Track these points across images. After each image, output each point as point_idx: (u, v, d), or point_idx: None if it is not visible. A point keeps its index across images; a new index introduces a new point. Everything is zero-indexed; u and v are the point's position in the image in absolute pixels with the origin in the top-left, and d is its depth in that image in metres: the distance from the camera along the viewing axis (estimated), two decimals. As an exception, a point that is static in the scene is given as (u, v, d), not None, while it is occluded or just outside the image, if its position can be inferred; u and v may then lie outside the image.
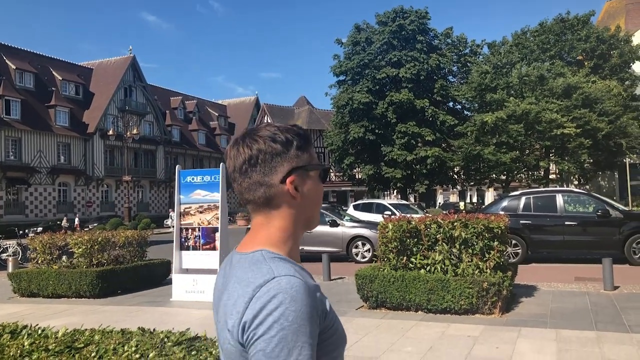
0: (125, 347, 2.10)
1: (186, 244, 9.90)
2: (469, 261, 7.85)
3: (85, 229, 26.44)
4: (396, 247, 8.23)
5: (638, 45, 33.62)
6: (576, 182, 34.44)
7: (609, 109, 28.41)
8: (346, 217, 16.42)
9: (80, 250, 10.74)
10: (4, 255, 17.42)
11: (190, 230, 9.87)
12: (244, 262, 1.15)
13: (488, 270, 7.72)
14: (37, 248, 11.35)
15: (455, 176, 38.24)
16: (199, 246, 9.78)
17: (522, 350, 5.85)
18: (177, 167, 10.48)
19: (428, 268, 7.99)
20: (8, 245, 18.23)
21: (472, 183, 38.11)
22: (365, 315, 7.87)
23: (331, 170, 53.30)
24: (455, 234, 7.87)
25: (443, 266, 7.95)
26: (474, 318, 7.44)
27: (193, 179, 9.96)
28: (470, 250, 7.87)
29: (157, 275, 11.73)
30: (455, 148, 33.36)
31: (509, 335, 6.49)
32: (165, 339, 2.27)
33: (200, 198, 9.82)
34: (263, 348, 1.01)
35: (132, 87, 53.46)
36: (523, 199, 13.86)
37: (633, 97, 31.95)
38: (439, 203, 51.68)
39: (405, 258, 8.17)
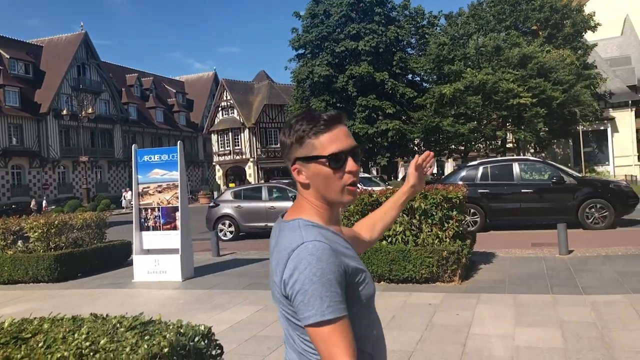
0: (76, 335, 2.04)
1: (146, 224, 9.74)
2: (428, 231, 7.97)
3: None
4: (358, 220, 8.27)
5: (589, 15, 34.25)
6: (532, 151, 35.21)
7: (563, 78, 28.98)
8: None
9: (36, 234, 10.44)
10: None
11: (149, 210, 9.70)
12: (284, 229, 1.44)
13: (447, 240, 7.86)
14: (-10, 234, 10.98)
15: (416, 148, 38.62)
16: (160, 226, 9.64)
17: (482, 316, 6.00)
18: (133, 146, 10.24)
19: (389, 239, 8.08)
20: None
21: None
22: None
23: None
24: (415, 205, 7.95)
25: (404, 237, 8.06)
26: (435, 286, 7.58)
27: (150, 158, 9.76)
28: (429, 221, 7.98)
29: (118, 257, 11.54)
30: (415, 120, 33.60)
31: (468, 301, 6.64)
32: (118, 325, 2.22)
33: (158, 177, 9.64)
34: (302, 300, 1.29)
35: (86, 64, 51.80)
36: (481, 169, 14.11)
37: (585, 65, 32.66)
38: (400, 175, 52.23)
39: (366, 230, 8.22)
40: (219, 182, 53.84)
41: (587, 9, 35.70)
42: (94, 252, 10.89)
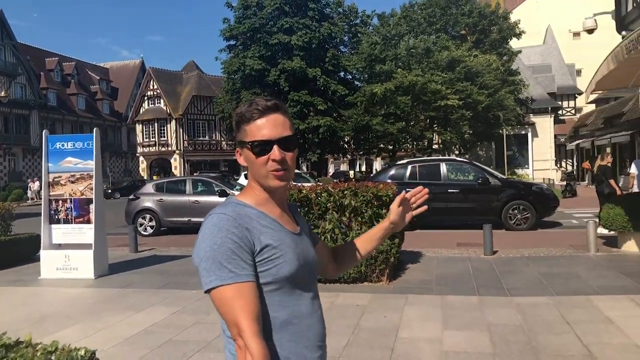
0: None
1: (56, 216, 8.98)
2: (358, 229, 7.76)
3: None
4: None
5: (515, 22, 35.55)
6: (457, 152, 36.18)
7: (489, 83, 29.88)
8: (237, 187, 15.93)
9: None
10: None
11: (60, 201, 8.95)
12: None
13: (377, 239, 7.67)
14: None
15: (346, 145, 38.77)
16: (71, 219, 8.91)
17: (410, 317, 5.84)
18: (44, 131, 9.43)
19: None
20: None
21: (361, 152, 38.84)
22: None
23: (223, 139, 52.17)
24: (346, 202, 7.72)
25: (333, 235, 7.81)
26: (363, 286, 7.39)
27: (63, 145, 8.99)
28: (359, 219, 7.77)
29: (25, 252, 10.58)
30: (346, 118, 33.67)
31: (396, 302, 6.48)
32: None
33: (71, 166, 8.90)
34: (204, 267, 1.34)
35: (0, 45, 48.45)
36: (409, 168, 14.16)
37: (510, 71, 33.86)
38: (331, 172, 52.42)
39: (294, 228, 7.92)
40: (142, 174, 51.97)
41: (513, 17, 37.05)
42: (-4, 245, 9.95)
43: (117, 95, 67.97)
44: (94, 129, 8.85)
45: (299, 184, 9.18)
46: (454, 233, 12.90)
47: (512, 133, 34.74)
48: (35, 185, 38.84)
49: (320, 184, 9.12)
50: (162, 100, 51.53)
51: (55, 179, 8.97)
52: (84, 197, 8.84)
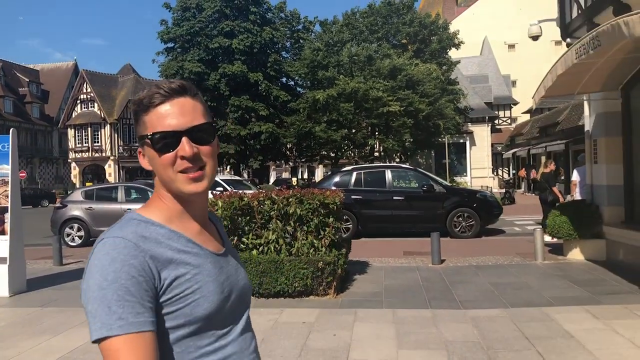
0: None
1: (-34, 227, 8.01)
2: (304, 239, 7.27)
3: None
4: (226, 227, 7.35)
5: (454, 33, 36.22)
6: (397, 160, 36.38)
7: (429, 91, 30.16)
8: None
9: None
10: None
11: (-29, 210, 7.99)
12: None
13: (323, 249, 7.22)
14: None
15: (288, 152, 38.26)
16: (-16, 230, 7.97)
17: (361, 335, 5.39)
18: (-47, 132, 8.44)
19: (260, 249, 7.26)
20: None
21: (304, 160, 38.47)
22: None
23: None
24: (290, 211, 7.23)
25: (277, 246, 7.29)
26: (309, 301, 6.90)
27: (-25, 147, 8.06)
28: (305, 228, 7.29)
29: None
30: (288, 124, 33.22)
31: (345, 319, 6.02)
32: None
33: (-16, 171, 7.98)
34: (90, 310, 1.02)
35: None
36: (354, 174, 13.84)
37: (449, 81, 34.41)
38: (272, 180, 51.76)
39: (236, 238, 7.35)
40: (74, 180, 49.59)
41: (452, 28, 37.76)
42: None
43: (48, 99, 64.77)
44: (11, 130, 7.96)
45: (240, 192, 8.60)
46: (399, 241, 12.62)
47: (451, 141, 35.29)
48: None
49: (263, 191, 8.57)
50: (96, 104, 49.40)
51: (-34, 185, 8.01)
52: (-2, 205, 7.93)
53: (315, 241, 7.25)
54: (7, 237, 7.82)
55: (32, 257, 11.19)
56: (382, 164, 17.96)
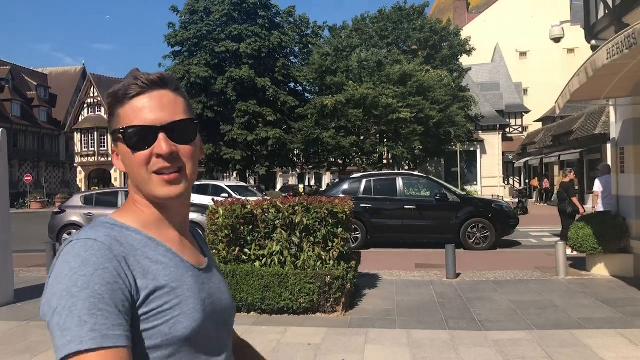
0: None
1: (-48, 233, 7.54)
2: (310, 251, 6.74)
3: None
4: (227, 236, 6.84)
5: (466, 39, 35.70)
6: (407, 168, 35.81)
7: (440, 98, 29.59)
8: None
9: None
10: None
11: (-42, 215, 7.52)
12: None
13: (331, 262, 6.68)
14: None
15: (295, 159, 37.74)
16: (-29, 236, 7.49)
17: (373, 361, 4.85)
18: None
19: (264, 260, 6.73)
20: None
21: (311, 166, 37.97)
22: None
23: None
24: (297, 220, 6.70)
25: (281, 258, 6.76)
26: (315, 318, 6.36)
27: (-37, 148, 7.59)
28: (312, 239, 6.76)
29: None
30: (296, 130, 32.73)
31: (355, 340, 5.48)
32: None
33: (-29, 174, 7.52)
34: (57, 322, 0.88)
35: None
36: (364, 182, 13.31)
37: (460, 88, 33.86)
38: (279, 186, 51.28)
39: (237, 249, 6.83)
40: (80, 185, 49.32)
41: (463, 34, 37.24)
42: None
43: (56, 103, 64.64)
44: (0, 130, 7.48)
45: (244, 198, 8.10)
46: (411, 252, 12.06)
47: (461, 149, 34.69)
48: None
49: (268, 198, 8.06)
50: (102, 109, 49.16)
51: (-48, 189, 7.55)
52: (-14, 210, 7.46)
53: (322, 253, 6.72)
54: (-7, 244, 7.34)
55: (26, 265, 10.74)
56: (392, 172, 17.42)
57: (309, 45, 35.99)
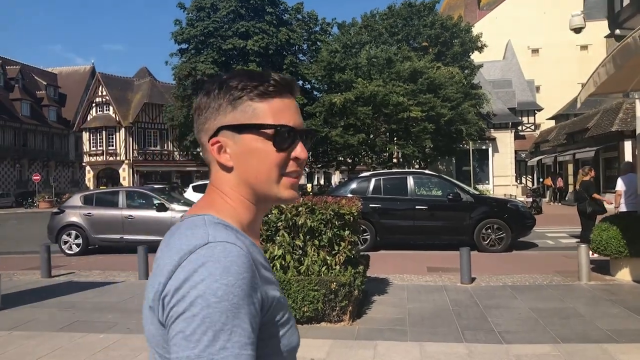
0: None
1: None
2: (315, 255, 6.26)
3: None
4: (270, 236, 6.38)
5: (477, 36, 35.03)
6: (417, 166, 35.25)
7: (452, 96, 28.99)
8: (181, 201, 14.12)
9: None
10: None
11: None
12: (181, 227, 0.95)
13: (337, 267, 6.20)
14: None
15: (304, 157, 37.27)
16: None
17: (382, 380, 4.36)
18: None
19: (264, 266, 6.25)
20: None
21: (320, 165, 37.50)
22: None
23: (175, 149, 49.66)
24: (300, 222, 6.22)
25: (284, 262, 6.29)
26: (320, 328, 5.88)
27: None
28: (317, 242, 6.28)
29: None
30: (304, 129, 32.26)
31: (363, 354, 5.00)
32: None
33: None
34: (182, 329, 0.81)
35: None
36: (373, 181, 12.82)
37: (472, 85, 33.24)
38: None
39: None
40: (88, 184, 49.16)
41: (474, 31, 36.59)
42: None
43: (65, 102, 64.69)
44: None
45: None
46: (422, 255, 11.54)
47: (473, 148, 34.07)
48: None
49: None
50: (111, 107, 48.99)
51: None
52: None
53: (328, 258, 6.24)
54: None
55: (20, 267, 10.36)
56: (403, 170, 16.90)
57: (318, 43, 35.49)
